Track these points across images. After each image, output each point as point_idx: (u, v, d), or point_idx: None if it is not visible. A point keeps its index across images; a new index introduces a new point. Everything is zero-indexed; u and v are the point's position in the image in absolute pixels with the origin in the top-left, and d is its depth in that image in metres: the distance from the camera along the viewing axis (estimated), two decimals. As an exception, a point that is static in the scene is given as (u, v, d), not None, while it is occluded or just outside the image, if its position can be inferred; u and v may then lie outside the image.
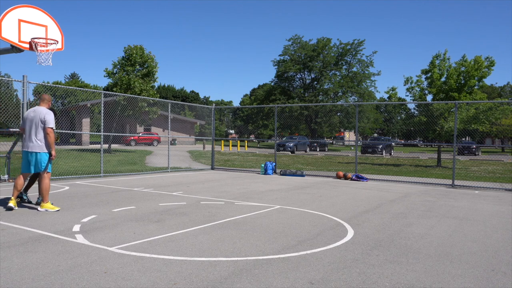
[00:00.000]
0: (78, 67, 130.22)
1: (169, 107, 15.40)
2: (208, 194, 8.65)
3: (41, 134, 6.46)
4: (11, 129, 10.39)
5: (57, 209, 6.53)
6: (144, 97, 21.81)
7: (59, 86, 14.20)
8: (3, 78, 12.32)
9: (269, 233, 5.27)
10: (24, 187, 6.94)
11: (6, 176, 10.33)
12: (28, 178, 7.13)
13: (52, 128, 6.43)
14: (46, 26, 9.76)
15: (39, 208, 6.52)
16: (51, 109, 6.79)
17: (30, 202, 7.06)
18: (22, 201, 7.05)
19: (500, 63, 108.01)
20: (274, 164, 14.67)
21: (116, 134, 15.99)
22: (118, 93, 15.91)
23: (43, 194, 6.52)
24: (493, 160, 27.64)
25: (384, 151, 32.05)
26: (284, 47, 50.77)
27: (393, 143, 35.55)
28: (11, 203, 6.45)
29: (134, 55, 24.28)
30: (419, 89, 19.66)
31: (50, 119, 6.45)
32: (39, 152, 6.46)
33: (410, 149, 51.93)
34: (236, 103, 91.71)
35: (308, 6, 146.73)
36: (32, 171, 6.57)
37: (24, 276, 3.51)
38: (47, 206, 6.49)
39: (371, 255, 4.36)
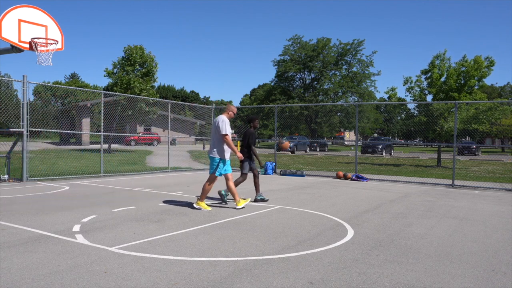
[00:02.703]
0: (78, 67, 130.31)
1: (169, 107, 15.41)
2: (208, 194, 8.63)
3: (215, 140, 6.93)
4: (11, 129, 10.39)
5: (209, 209, 6.96)
6: (144, 97, 21.81)
7: (59, 86, 14.21)
8: (3, 78, 12.33)
9: (269, 233, 5.27)
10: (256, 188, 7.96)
11: (6, 176, 10.33)
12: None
13: (225, 134, 6.79)
14: (46, 26, 9.77)
15: (194, 205, 7.03)
16: (252, 118, 7.79)
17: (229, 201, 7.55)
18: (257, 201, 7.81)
19: (500, 63, 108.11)
20: (274, 164, 14.67)
21: (116, 134, 15.99)
22: (118, 93, 15.91)
23: (201, 193, 7.04)
24: (493, 160, 27.64)
25: (384, 151, 32.05)
26: (284, 47, 50.88)
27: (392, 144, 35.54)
28: (197, 205, 6.98)
29: (134, 55, 24.28)
30: (418, 89, 19.66)
31: (223, 126, 6.84)
32: (212, 156, 6.97)
33: (410, 149, 51.93)
34: (236, 103, 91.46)
35: (308, 6, 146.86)
36: (214, 174, 7.04)
37: (24, 276, 3.51)
38: (201, 204, 6.97)
39: (371, 255, 4.36)
